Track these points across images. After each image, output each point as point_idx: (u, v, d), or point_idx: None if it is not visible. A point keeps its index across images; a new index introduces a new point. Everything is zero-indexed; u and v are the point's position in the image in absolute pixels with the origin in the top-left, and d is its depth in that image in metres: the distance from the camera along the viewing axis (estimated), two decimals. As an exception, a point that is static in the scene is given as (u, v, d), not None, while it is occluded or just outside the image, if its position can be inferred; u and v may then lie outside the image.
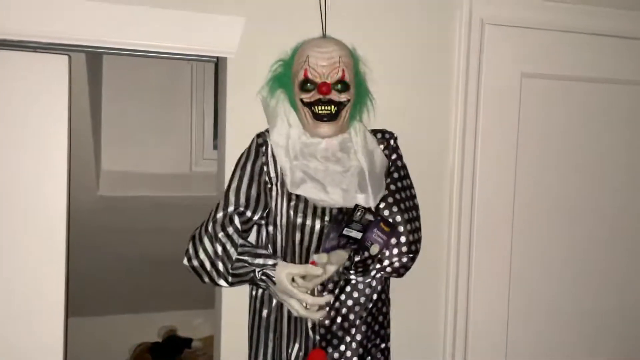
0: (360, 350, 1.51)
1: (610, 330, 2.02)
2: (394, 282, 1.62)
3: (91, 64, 2.44)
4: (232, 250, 1.38)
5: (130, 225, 2.84)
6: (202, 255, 1.39)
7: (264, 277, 1.37)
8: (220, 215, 1.43)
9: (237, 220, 1.42)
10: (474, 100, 1.81)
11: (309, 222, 1.49)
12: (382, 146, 1.59)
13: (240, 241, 1.40)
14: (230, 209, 1.43)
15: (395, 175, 1.58)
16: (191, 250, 1.41)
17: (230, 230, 1.40)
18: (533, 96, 1.88)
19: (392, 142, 1.61)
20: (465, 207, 1.84)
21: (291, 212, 1.49)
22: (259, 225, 1.55)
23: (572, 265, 1.97)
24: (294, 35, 1.56)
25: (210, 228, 1.41)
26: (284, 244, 1.51)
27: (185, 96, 2.75)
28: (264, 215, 1.50)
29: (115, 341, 3.44)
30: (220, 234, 1.39)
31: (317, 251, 1.48)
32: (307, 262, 1.48)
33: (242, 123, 1.64)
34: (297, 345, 1.50)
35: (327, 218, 1.49)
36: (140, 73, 2.68)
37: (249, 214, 1.45)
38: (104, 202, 2.69)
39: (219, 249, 1.38)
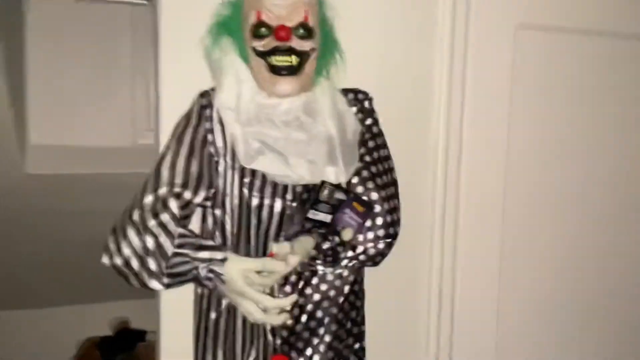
0: (330, 353, 1.25)
1: (603, 328, 1.84)
2: (368, 271, 1.36)
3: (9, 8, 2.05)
4: (167, 244, 1.08)
5: (67, 207, 2.49)
6: (126, 251, 1.09)
7: (210, 275, 1.08)
8: (150, 198, 1.12)
9: (173, 204, 1.12)
10: (461, 55, 1.56)
11: (267, 202, 1.21)
12: (354, 109, 1.32)
13: (178, 230, 1.10)
14: (163, 190, 1.13)
15: (371, 144, 1.31)
16: (112, 246, 1.11)
17: (165, 217, 1.10)
18: (529, 51, 1.63)
19: (366, 103, 1.33)
20: (450, 182, 1.60)
21: (245, 191, 1.21)
22: (204, 209, 1.25)
23: (571, 249, 1.76)
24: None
25: (136, 216, 1.10)
26: (235, 232, 1.23)
27: (126, 51, 2.34)
28: (209, 196, 1.20)
29: (59, 336, 3.13)
30: (151, 223, 1.09)
31: (277, 239, 1.22)
32: (264, 254, 1.21)
33: (179, 81, 1.34)
34: (253, 353, 1.23)
35: (289, 197, 1.22)
36: (73, 20, 2.27)
37: (188, 195, 1.15)
38: (32, 181, 2.32)
39: (150, 242, 1.08)
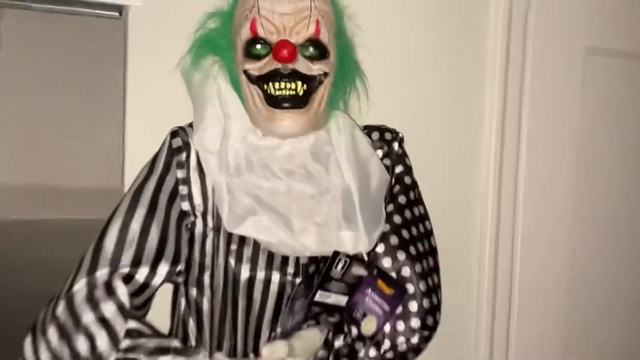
0: None
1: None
2: None
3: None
4: (107, 347, 0.75)
5: (39, 259, 2.16)
6: (44, 357, 0.75)
7: None
8: (81, 283, 0.79)
9: (120, 290, 0.79)
10: (516, 87, 1.23)
11: (260, 275, 0.89)
12: (380, 152, 1.01)
13: (127, 326, 0.77)
14: (104, 271, 0.80)
15: (402, 199, 0.98)
16: (27, 351, 0.77)
17: (109, 308, 0.77)
18: (599, 79, 1.31)
19: (395, 145, 1.02)
20: (503, 249, 1.25)
21: (231, 262, 0.89)
22: (175, 286, 0.93)
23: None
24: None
25: (61, 309, 0.77)
26: (217, 319, 0.91)
27: (117, 71, 2.00)
28: (179, 271, 0.88)
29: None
30: (87, 318, 0.76)
31: (272, 330, 0.89)
32: (255, 350, 0.89)
33: (150, 113, 1.04)
34: None
35: (290, 270, 0.90)
36: (53, 33, 1.98)
37: (142, 275, 0.82)
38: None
39: (82, 346, 0.75)
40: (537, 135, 1.27)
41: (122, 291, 0.78)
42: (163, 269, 0.83)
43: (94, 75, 2.03)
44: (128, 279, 0.80)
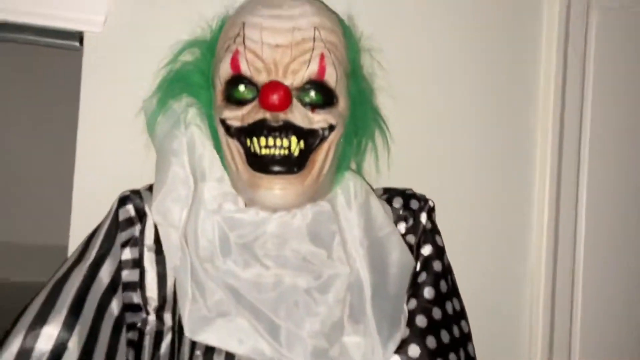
0: None
1: None
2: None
3: None
4: None
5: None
6: None
7: None
8: None
9: None
10: (574, 144, 1.01)
11: None
12: (403, 225, 0.76)
13: None
14: None
15: (429, 292, 0.74)
16: None
17: None
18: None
19: (423, 217, 0.77)
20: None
21: None
22: None
23: None
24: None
25: None
26: None
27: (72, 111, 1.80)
28: None
29: None
30: None
31: None
32: None
33: (102, 163, 0.82)
34: None
35: None
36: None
37: None
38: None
39: None
40: (597, 204, 1.03)
41: None
42: None
43: (48, 114, 1.84)
44: None
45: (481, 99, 1.00)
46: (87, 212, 0.76)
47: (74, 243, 0.76)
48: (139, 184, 0.73)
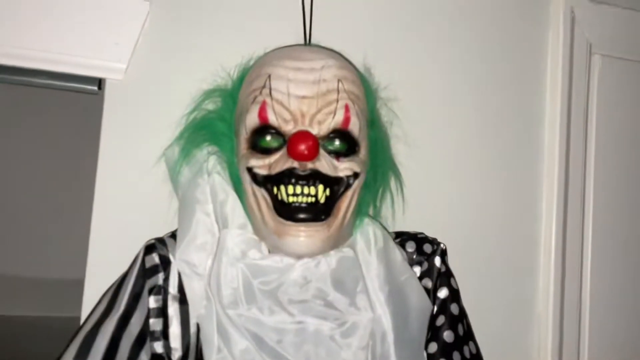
0: None
1: None
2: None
3: None
4: None
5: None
6: None
7: None
8: None
9: None
10: (578, 188, 1.03)
11: None
12: (418, 269, 0.78)
13: None
14: None
15: (448, 336, 0.75)
16: None
17: None
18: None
19: (437, 261, 0.79)
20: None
21: None
22: None
23: None
24: (242, 44, 0.78)
25: None
26: None
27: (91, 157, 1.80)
28: None
29: None
30: None
31: None
32: None
33: (120, 212, 0.81)
34: None
35: None
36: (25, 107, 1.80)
37: None
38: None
39: None
40: (604, 240, 1.05)
41: None
42: None
43: (68, 159, 1.82)
44: None
45: (490, 142, 1.02)
46: (103, 260, 0.75)
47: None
48: (156, 229, 0.73)
